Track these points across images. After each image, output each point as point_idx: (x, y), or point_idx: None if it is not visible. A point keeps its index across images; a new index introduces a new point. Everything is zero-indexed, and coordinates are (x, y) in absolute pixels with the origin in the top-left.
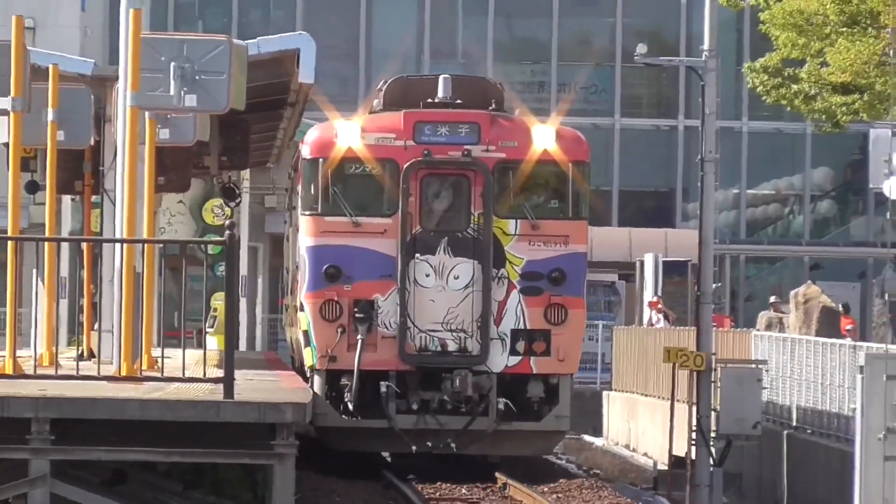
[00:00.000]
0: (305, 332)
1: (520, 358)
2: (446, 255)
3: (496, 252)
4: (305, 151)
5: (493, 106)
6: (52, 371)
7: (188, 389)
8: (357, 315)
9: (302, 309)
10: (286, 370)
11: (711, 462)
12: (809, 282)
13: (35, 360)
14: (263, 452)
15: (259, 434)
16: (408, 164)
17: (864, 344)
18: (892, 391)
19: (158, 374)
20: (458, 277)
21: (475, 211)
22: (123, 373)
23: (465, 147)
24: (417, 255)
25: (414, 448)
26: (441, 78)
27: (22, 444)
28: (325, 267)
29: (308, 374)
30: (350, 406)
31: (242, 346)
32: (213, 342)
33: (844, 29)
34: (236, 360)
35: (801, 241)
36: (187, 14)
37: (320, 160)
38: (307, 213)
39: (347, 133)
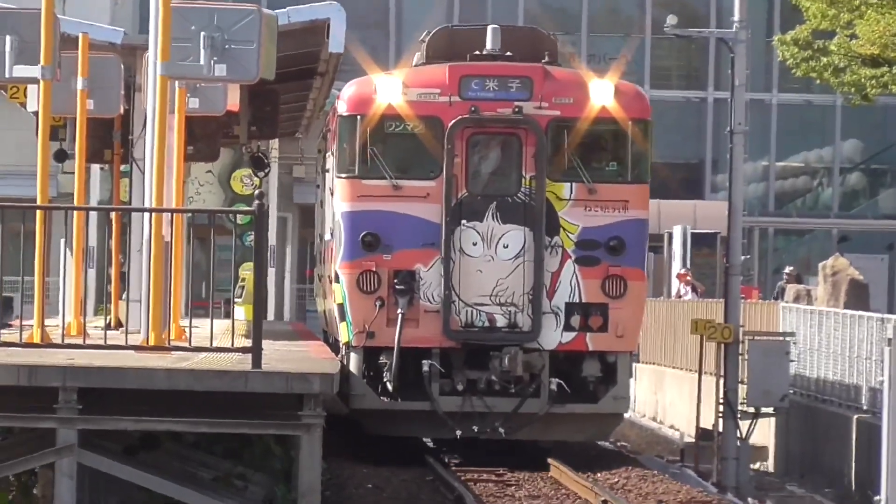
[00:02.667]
0: (340, 306)
1: (575, 334)
2: (495, 222)
3: (549, 218)
4: (342, 108)
5: (547, 59)
6: (79, 340)
7: (216, 359)
8: (397, 287)
9: (337, 280)
10: (314, 340)
11: (738, 434)
12: (837, 254)
13: (63, 330)
14: (290, 423)
15: (287, 405)
16: (453, 121)
17: (893, 316)
18: None
19: (186, 344)
20: (507, 246)
21: (526, 173)
22: (151, 342)
23: (516, 103)
24: (463, 221)
25: (459, 433)
26: (490, 28)
27: (49, 413)
28: (363, 234)
29: (343, 352)
30: (389, 387)
31: (270, 316)
32: (241, 312)
33: (874, 1)
34: (264, 330)
35: (830, 214)
36: None
37: (358, 117)
38: (343, 175)
39: (388, 88)
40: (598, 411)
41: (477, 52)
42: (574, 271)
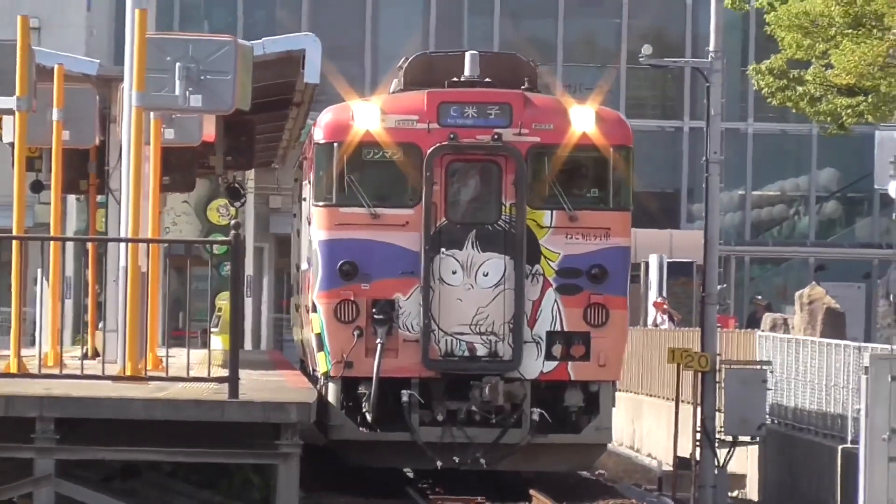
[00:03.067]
0: (318, 336)
1: (556, 363)
2: (475, 250)
3: (530, 246)
4: (318, 135)
5: (526, 85)
6: (56, 370)
7: (193, 389)
8: (376, 316)
9: (315, 310)
10: (291, 369)
11: (716, 463)
12: (814, 283)
13: (40, 360)
14: (268, 452)
15: (264, 434)
16: (432, 149)
17: (870, 345)
18: None
19: (163, 374)
20: (487, 274)
21: (506, 201)
22: (128, 372)
23: (496, 130)
24: (443, 249)
25: (439, 463)
26: (468, 54)
27: (27, 443)
28: (341, 263)
29: (322, 382)
30: (368, 417)
31: (247, 345)
32: (218, 342)
33: (849, 30)
34: (241, 359)
35: (806, 243)
36: (193, 14)
37: (335, 144)
38: (320, 203)
39: (365, 115)
40: (580, 441)
41: (455, 79)
42: (555, 300)
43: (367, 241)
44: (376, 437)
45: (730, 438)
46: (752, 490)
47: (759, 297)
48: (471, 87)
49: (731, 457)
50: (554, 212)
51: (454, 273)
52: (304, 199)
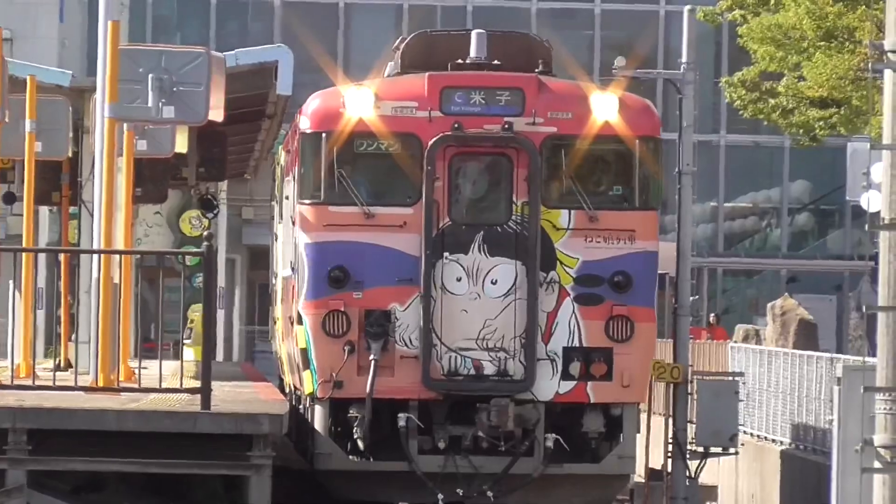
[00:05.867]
0: (304, 351)
1: (574, 383)
2: (482, 255)
3: (544, 250)
4: (304, 124)
5: (541, 68)
6: (29, 381)
7: (165, 400)
8: (369, 329)
9: (300, 321)
10: (263, 381)
11: (688, 474)
12: (786, 294)
13: (12, 371)
14: (240, 464)
15: (236, 445)
16: (433, 140)
17: (842, 356)
18: (869, 403)
19: (135, 385)
20: (496, 282)
21: (518, 199)
22: (100, 383)
23: (506, 119)
24: (446, 254)
25: (441, 497)
26: (474, 33)
27: None
28: (330, 269)
29: (307, 404)
30: (360, 444)
31: (219, 357)
32: (191, 353)
33: (821, 43)
34: (213, 371)
35: (779, 254)
36: (166, 26)
37: (323, 135)
38: (307, 201)
39: (358, 101)
40: (600, 472)
41: (460, 61)
42: (573, 311)
43: (360, 243)
44: (369, 467)
45: (701, 450)
46: (724, 502)
47: (713, 315)
48: (478, 70)
49: (702, 468)
50: (572, 212)
51: (458, 280)
52: (287, 198)
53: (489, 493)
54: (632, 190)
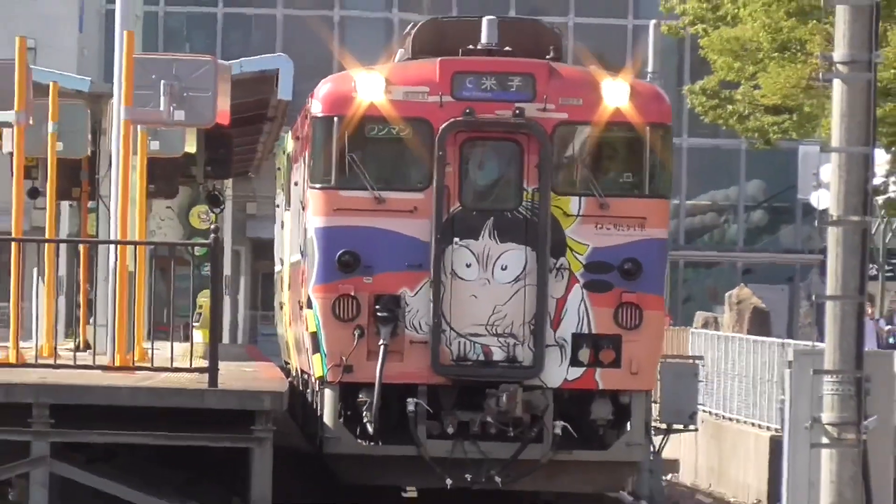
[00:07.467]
0: (313, 335)
1: (583, 370)
2: (492, 241)
3: (554, 237)
4: (316, 108)
5: (552, 55)
6: (51, 361)
7: (175, 378)
8: (379, 314)
9: (310, 305)
10: (266, 361)
11: (652, 449)
12: (742, 285)
13: (36, 351)
14: (243, 436)
15: (240, 420)
16: (444, 125)
17: (792, 342)
18: (818, 385)
19: (148, 365)
20: (506, 268)
21: (528, 185)
22: (117, 363)
23: (517, 105)
24: (456, 239)
25: (449, 482)
26: (485, 19)
27: (24, 427)
28: (340, 253)
29: (316, 388)
30: (369, 428)
31: (225, 339)
32: (199, 336)
33: (776, 55)
34: (220, 352)
35: (735, 248)
36: (176, 36)
37: (335, 119)
38: (317, 185)
39: (369, 86)
40: (608, 459)
41: (471, 47)
42: (582, 298)
43: (370, 228)
44: (378, 452)
45: (664, 426)
46: (684, 474)
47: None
48: (489, 56)
49: (665, 443)
50: (582, 198)
51: (468, 266)
52: (296, 184)
53: (497, 479)
54: (642, 177)
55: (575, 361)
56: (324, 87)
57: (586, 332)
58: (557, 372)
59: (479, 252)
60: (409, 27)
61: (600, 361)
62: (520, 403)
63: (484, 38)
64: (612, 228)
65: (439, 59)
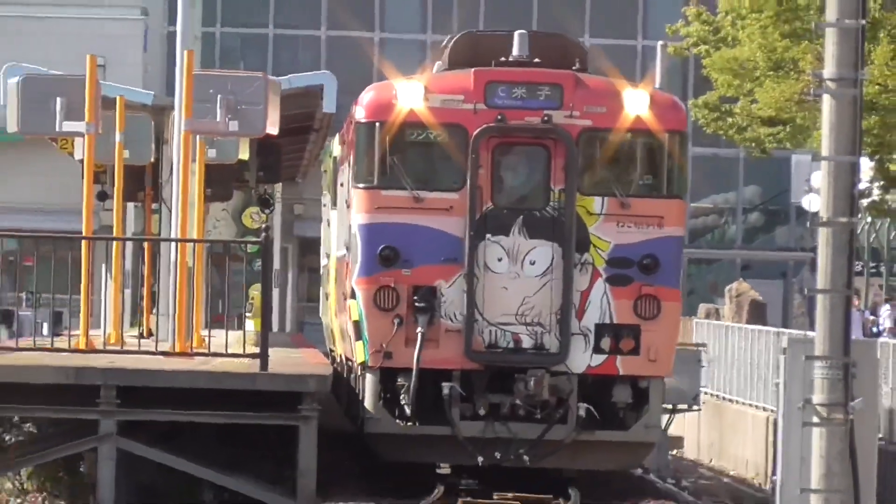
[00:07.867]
0: (356, 324)
1: (605, 357)
2: (521, 237)
3: (579, 234)
4: (360, 114)
5: (577, 66)
6: (117, 347)
7: (230, 363)
8: (417, 304)
9: (353, 296)
10: (311, 348)
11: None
12: (741, 279)
13: (104, 339)
14: (291, 415)
15: (288, 401)
16: (478, 130)
17: (787, 331)
18: (809, 369)
19: (205, 351)
20: (534, 263)
21: (555, 186)
22: (177, 349)
23: (546, 112)
24: (488, 235)
25: (480, 459)
26: (517, 33)
27: (93, 406)
28: (381, 248)
29: (358, 372)
30: (407, 410)
31: (275, 328)
32: (251, 324)
33: (771, 72)
34: (270, 339)
35: (734, 246)
36: (231, 54)
37: (377, 124)
38: (361, 185)
39: (409, 94)
40: (628, 440)
41: (503, 59)
42: (605, 290)
43: (409, 225)
44: (415, 431)
45: (670, 407)
46: (688, 449)
47: None
48: (520, 67)
49: (671, 422)
50: (605, 198)
51: (499, 260)
52: (342, 185)
53: (525, 457)
54: (660, 179)
55: (597, 349)
56: (367, 95)
57: (608, 322)
58: (581, 358)
59: (509, 247)
60: (445, 40)
61: (621, 349)
62: (546, 387)
63: (515, 51)
64: (632, 226)
65: (474, 69)
